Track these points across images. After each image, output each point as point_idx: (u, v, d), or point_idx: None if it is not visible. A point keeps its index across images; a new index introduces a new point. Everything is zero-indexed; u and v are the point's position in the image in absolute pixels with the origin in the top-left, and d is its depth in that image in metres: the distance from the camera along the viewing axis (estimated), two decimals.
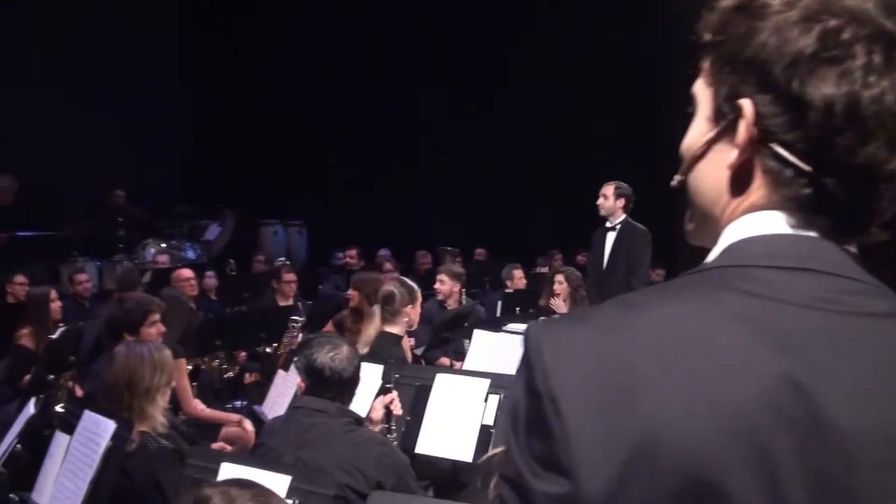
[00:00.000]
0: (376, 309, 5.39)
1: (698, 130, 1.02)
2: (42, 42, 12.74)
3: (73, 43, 13.14)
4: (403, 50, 13.48)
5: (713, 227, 1.01)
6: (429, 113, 13.29)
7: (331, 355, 3.36)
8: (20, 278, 8.01)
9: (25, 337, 6.38)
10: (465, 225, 12.91)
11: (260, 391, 6.87)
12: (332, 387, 3.36)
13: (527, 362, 0.90)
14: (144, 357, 3.82)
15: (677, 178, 1.05)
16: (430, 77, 13.25)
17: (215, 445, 4.80)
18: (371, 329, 5.38)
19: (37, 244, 10.42)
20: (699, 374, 0.86)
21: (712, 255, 1.00)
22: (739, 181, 0.97)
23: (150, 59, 14.25)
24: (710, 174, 1.00)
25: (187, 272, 7.94)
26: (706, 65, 1.01)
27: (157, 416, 3.78)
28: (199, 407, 5.52)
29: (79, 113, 13.16)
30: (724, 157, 0.97)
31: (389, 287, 5.45)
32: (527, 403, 0.90)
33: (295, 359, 4.91)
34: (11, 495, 4.41)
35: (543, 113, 12.58)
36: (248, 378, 7.08)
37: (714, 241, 1.01)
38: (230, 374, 6.90)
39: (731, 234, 0.98)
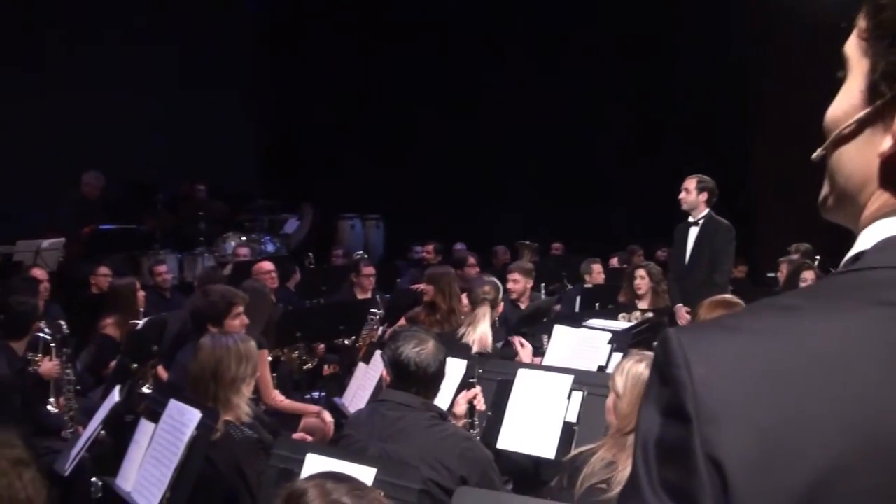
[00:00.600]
0: (486, 310, 5.47)
1: (848, 103, 0.90)
2: (129, 42, 13.04)
3: (157, 42, 13.41)
4: (480, 45, 13.42)
5: (854, 212, 0.91)
6: (506, 107, 13.22)
7: (417, 350, 3.33)
8: (104, 270, 8.17)
9: (110, 326, 6.50)
10: (541, 219, 12.82)
11: (338, 383, 6.91)
12: (416, 381, 3.33)
13: (666, 378, 0.78)
14: (230, 348, 3.84)
15: (819, 152, 0.94)
16: (506, 71, 13.20)
17: (296, 436, 4.82)
18: (481, 327, 5.44)
19: (119, 237, 10.62)
20: (872, 411, 0.75)
21: (861, 246, 0.88)
22: (892, 172, 0.86)
23: (230, 55, 14.44)
24: (858, 157, 0.89)
25: (268, 265, 7.99)
26: (863, 24, 0.89)
27: (242, 405, 3.79)
28: (279, 398, 5.55)
29: (162, 110, 13.43)
30: (876, 143, 0.86)
31: (493, 286, 5.56)
32: (665, 430, 0.78)
33: (380, 352, 4.94)
34: (93, 479, 4.49)
35: (624, 106, 12.42)
36: (327, 370, 7.12)
37: (852, 223, 0.91)
38: (309, 365, 6.93)
39: (885, 229, 0.86)
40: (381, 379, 4.89)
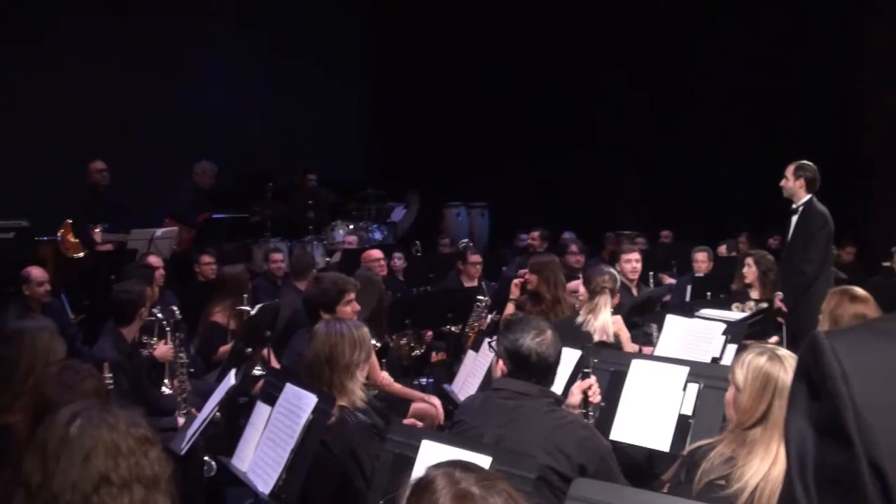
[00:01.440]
0: (606, 298, 5.43)
1: None
2: (241, 33, 13.34)
3: (270, 33, 13.68)
4: (585, 29, 13.27)
5: None
6: (613, 93, 13.05)
7: (537, 340, 3.29)
8: (207, 258, 8.33)
9: (219, 313, 6.65)
10: (650, 206, 12.62)
11: (446, 370, 6.94)
12: (536, 371, 3.30)
13: (820, 391, 0.71)
14: (344, 334, 3.89)
15: None
16: (610, 56, 13.03)
17: (406, 421, 4.85)
18: (602, 316, 5.40)
19: (231, 226, 10.83)
20: None
21: None
22: None
23: (339, 44, 14.61)
24: None
25: (377, 253, 8.05)
26: None
27: (356, 391, 3.83)
28: (387, 379, 5.58)
29: (274, 100, 13.70)
30: None
31: (611, 275, 5.53)
32: (825, 452, 0.71)
33: (488, 340, 4.93)
34: (206, 458, 4.59)
35: (730, 94, 12.11)
36: (435, 357, 7.15)
37: None
38: (417, 352, 6.97)
39: None
40: (489, 367, 4.90)
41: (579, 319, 5.55)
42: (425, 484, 1.77)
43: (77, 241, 9.39)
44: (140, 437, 1.94)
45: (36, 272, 7.15)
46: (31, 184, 10.74)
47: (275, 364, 5.92)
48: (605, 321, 5.48)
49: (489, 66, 13.87)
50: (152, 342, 5.78)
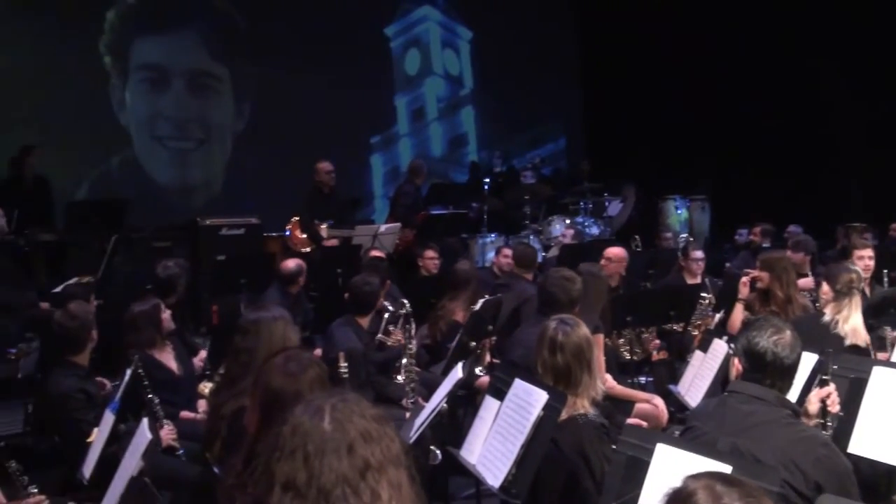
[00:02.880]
0: (857, 299, 5.25)
1: None
2: (451, 26, 13.61)
3: (480, 21, 13.89)
4: (805, 20, 12.66)
5: None
6: (837, 81, 12.41)
7: (774, 339, 3.18)
8: (430, 253, 8.53)
9: (459, 311, 6.78)
10: (879, 198, 11.89)
11: (668, 369, 6.81)
12: (772, 373, 3.18)
13: None
14: (581, 334, 3.88)
15: None
16: (831, 45, 12.39)
17: (631, 421, 4.79)
18: (854, 318, 5.16)
19: (449, 221, 11.06)
20: None
21: None
22: None
23: (549, 36, 14.66)
24: None
25: (620, 251, 7.88)
26: None
27: (596, 385, 3.82)
28: (610, 382, 5.54)
29: (488, 99, 13.94)
30: None
31: (857, 274, 5.30)
32: None
33: (717, 339, 4.81)
34: (432, 447, 4.69)
35: None
36: (656, 355, 7.02)
37: None
38: (638, 350, 6.87)
39: None
40: (719, 369, 4.78)
41: (826, 319, 5.28)
42: (685, 496, 1.74)
43: (304, 236, 9.85)
44: (379, 419, 2.00)
45: (290, 264, 7.60)
46: (261, 183, 11.41)
47: (488, 357, 6.02)
48: (856, 324, 5.19)
49: (707, 56, 13.48)
50: (395, 333, 6.01)
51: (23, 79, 10.81)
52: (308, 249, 9.81)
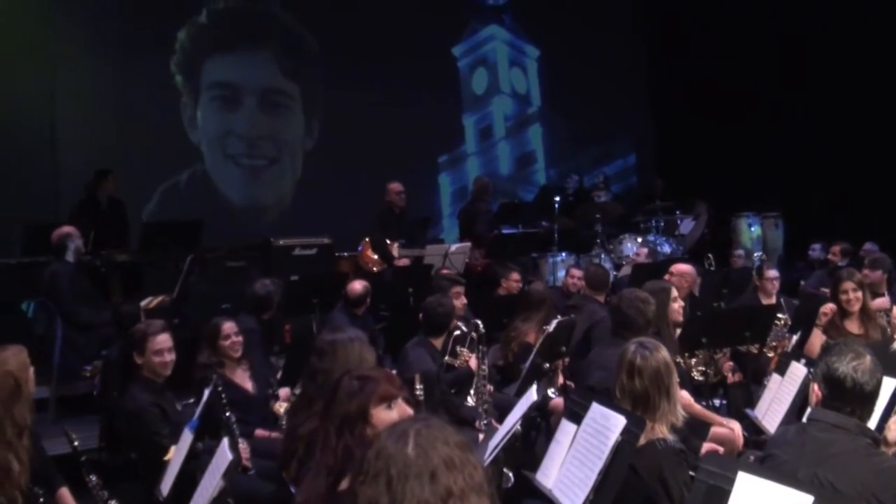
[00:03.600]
0: None
1: None
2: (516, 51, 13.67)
3: (547, 39, 13.90)
4: (882, 32, 12.40)
5: None
6: None
7: (853, 365, 3.13)
8: (515, 276, 8.56)
9: (531, 333, 6.76)
10: None
11: (743, 392, 6.69)
12: (851, 400, 3.13)
13: None
14: (658, 359, 3.85)
15: None
16: None
17: (706, 446, 4.73)
18: None
19: (519, 240, 11.03)
20: None
21: None
22: None
23: (617, 52, 14.62)
24: None
25: (684, 267, 7.78)
26: None
27: (676, 410, 3.78)
28: (688, 400, 5.47)
29: (556, 116, 13.94)
30: None
31: None
32: None
33: (795, 363, 4.73)
34: (504, 469, 4.68)
35: None
36: (731, 378, 6.90)
37: None
38: (710, 372, 6.75)
39: None
40: (797, 393, 4.69)
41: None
42: None
43: (376, 256, 9.94)
44: (463, 446, 2.01)
45: (357, 286, 7.67)
46: (331, 201, 11.55)
47: (560, 379, 5.99)
48: None
49: (777, 69, 13.30)
50: (464, 354, 6.02)
51: (97, 101, 11.15)
52: (379, 269, 9.90)
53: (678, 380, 3.88)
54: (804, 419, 3.42)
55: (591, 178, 13.94)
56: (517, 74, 14.95)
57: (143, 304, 8.15)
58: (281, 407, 5.79)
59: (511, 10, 14.75)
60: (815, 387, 3.28)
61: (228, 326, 5.91)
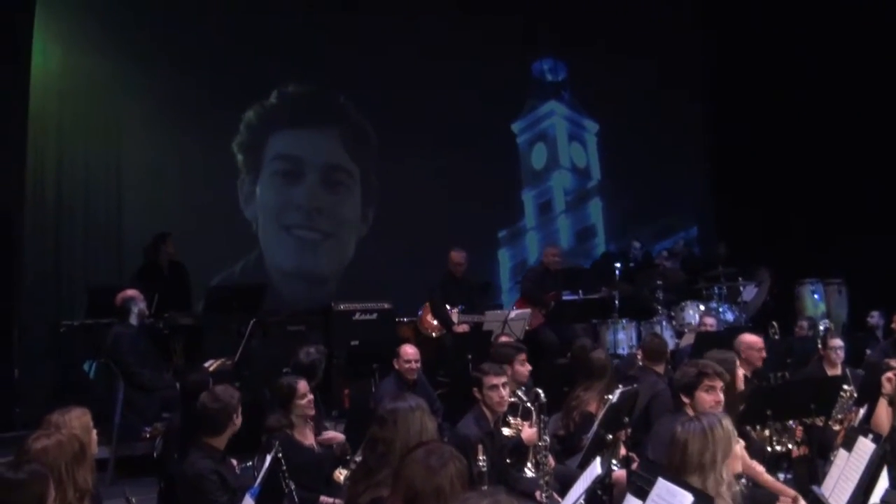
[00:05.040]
0: None
1: None
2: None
3: (606, 112, 13.99)
4: None
5: None
6: None
7: None
8: (522, 357, 8.36)
9: (593, 402, 6.69)
10: None
11: (807, 466, 6.52)
12: None
13: None
14: (695, 433, 3.82)
15: None
16: None
17: None
18: None
19: (580, 306, 10.95)
20: None
21: None
22: None
23: (677, 125, 14.66)
24: None
25: (753, 338, 7.48)
26: None
27: (720, 491, 3.72)
28: (758, 466, 5.37)
29: (616, 190, 14.02)
30: None
31: None
32: None
33: (862, 438, 4.60)
34: None
35: None
36: (796, 451, 6.73)
37: None
38: (780, 445, 6.60)
39: None
40: (865, 470, 4.56)
41: None
42: None
43: (435, 322, 9.97)
44: None
45: (408, 350, 7.69)
46: (393, 275, 11.67)
47: (623, 450, 5.90)
48: None
49: (836, 132, 13.15)
50: (517, 423, 5.96)
51: (159, 172, 11.49)
52: (438, 334, 9.93)
53: (729, 452, 3.81)
54: (877, 500, 3.32)
55: (654, 251, 13.91)
56: (577, 149, 15.03)
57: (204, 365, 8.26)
58: (341, 475, 5.80)
59: (570, 85, 14.87)
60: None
61: (303, 385, 6.00)
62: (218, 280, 11.60)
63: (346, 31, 12.50)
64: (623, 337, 10.13)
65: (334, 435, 6.46)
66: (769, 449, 6.56)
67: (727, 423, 3.94)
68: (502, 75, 13.56)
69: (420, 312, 10.32)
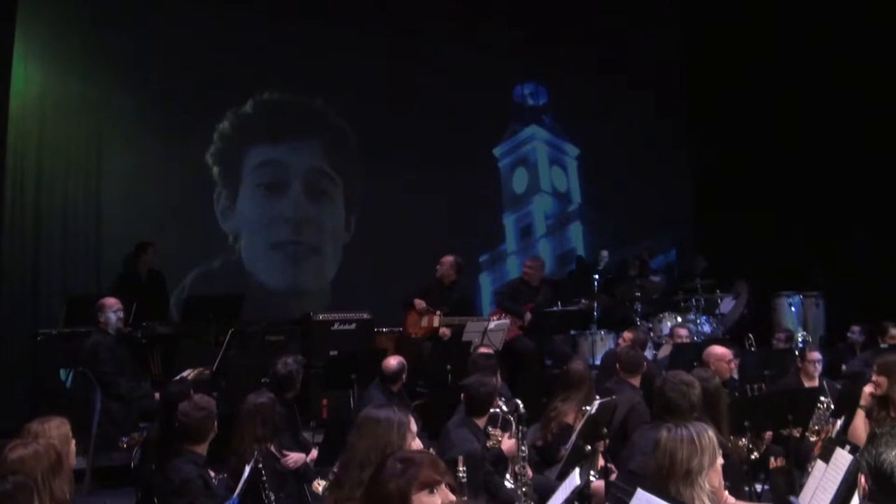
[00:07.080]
0: None
1: None
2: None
3: (586, 137, 14.06)
4: None
5: None
6: None
7: None
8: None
9: (571, 413, 6.70)
10: None
11: (785, 477, 6.56)
12: None
13: None
14: (683, 439, 3.82)
15: None
16: None
17: None
18: None
19: (558, 317, 10.93)
20: None
21: None
22: None
23: (658, 147, 14.76)
24: None
25: (722, 350, 7.54)
26: None
27: (701, 500, 3.72)
28: (730, 499, 5.37)
29: (596, 214, 14.06)
30: None
31: None
32: None
33: (840, 450, 4.63)
34: None
35: None
36: (773, 462, 6.78)
37: None
38: (755, 455, 6.64)
39: None
40: (842, 482, 4.58)
41: None
42: None
43: (423, 325, 9.92)
44: None
45: (392, 362, 7.71)
46: (375, 282, 11.69)
47: (601, 461, 5.91)
48: None
49: (814, 152, 13.26)
50: (496, 434, 5.98)
51: (139, 180, 11.43)
52: (421, 335, 9.88)
53: (714, 463, 3.83)
54: None
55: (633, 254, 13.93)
56: (557, 173, 15.05)
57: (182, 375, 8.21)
58: (319, 485, 5.79)
59: (550, 110, 14.92)
60: (862, 478, 3.16)
61: None
62: (196, 274, 11.62)
63: (325, 48, 12.51)
64: (601, 348, 10.10)
65: (298, 457, 6.41)
66: (749, 457, 6.60)
67: (712, 433, 3.95)
68: (484, 100, 13.62)
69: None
